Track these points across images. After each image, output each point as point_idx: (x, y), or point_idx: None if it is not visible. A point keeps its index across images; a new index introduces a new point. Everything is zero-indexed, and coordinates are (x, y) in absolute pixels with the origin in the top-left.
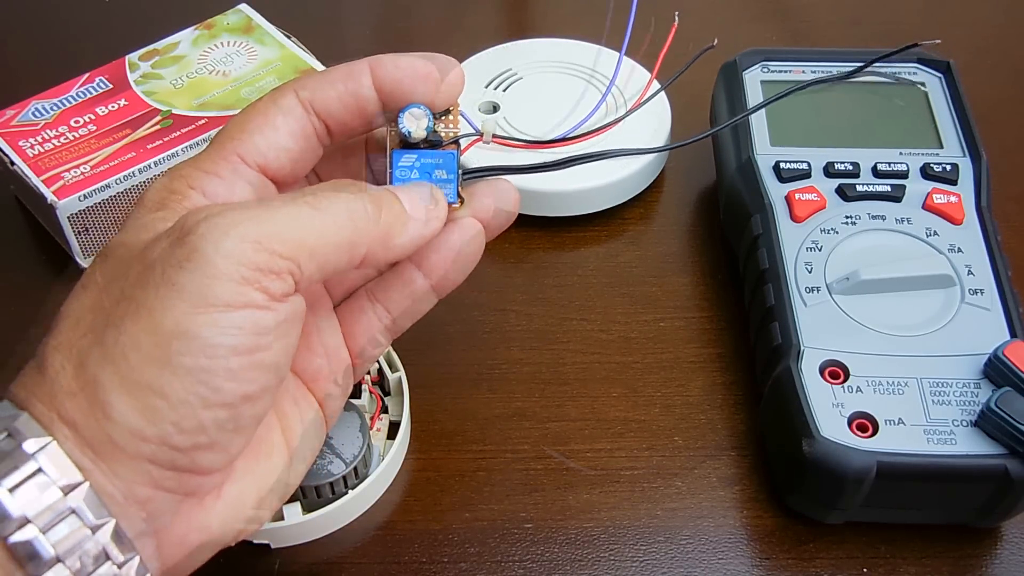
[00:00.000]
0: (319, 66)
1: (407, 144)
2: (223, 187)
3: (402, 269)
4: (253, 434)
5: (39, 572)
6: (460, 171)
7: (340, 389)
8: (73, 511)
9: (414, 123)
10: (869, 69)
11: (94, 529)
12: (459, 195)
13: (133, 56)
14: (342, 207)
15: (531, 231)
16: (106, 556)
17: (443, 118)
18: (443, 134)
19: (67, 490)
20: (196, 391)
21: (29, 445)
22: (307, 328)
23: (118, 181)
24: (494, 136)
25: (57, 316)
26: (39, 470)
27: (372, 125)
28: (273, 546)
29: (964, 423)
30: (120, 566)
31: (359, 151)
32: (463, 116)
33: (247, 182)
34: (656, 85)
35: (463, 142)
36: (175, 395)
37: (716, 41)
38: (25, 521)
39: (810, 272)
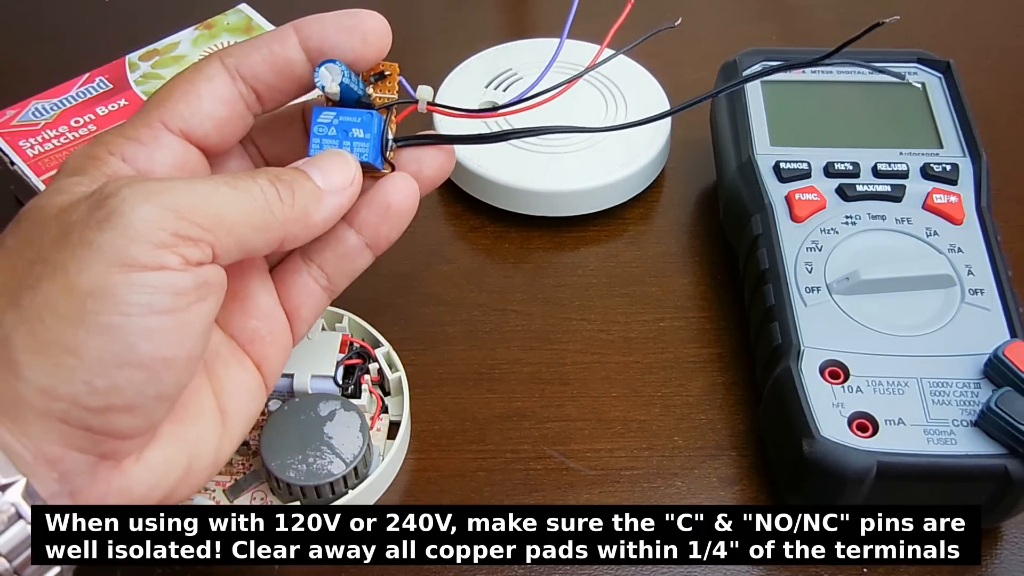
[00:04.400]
0: None
1: (334, 103)
2: (143, 152)
3: (334, 228)
4: (176, 400)
5: None
6: (390, 136)
7: (278, 351)
8: None
9: (328, 76)
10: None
11: (3, 488)
12: (386, 160)
13: (133, 56)
14: (257, 190)
15: (531, 231)
16: (18, 515)
17: (379, 83)
18: (376, 99)
19: None
20: (110, 349)
21: None
22: (239, 290)
23: None
24: (429, 104)
25: None
26: None
27: (303, 88)
28: None
29: (964, 423)
30: (30, 524)
31: (297, 121)
32: (403, 83)
33: (169, 148)
34: (607, 52)
35: (399, 110)
36: (88, 353)
37: (680, 20)
38: None
39: (810, 272)
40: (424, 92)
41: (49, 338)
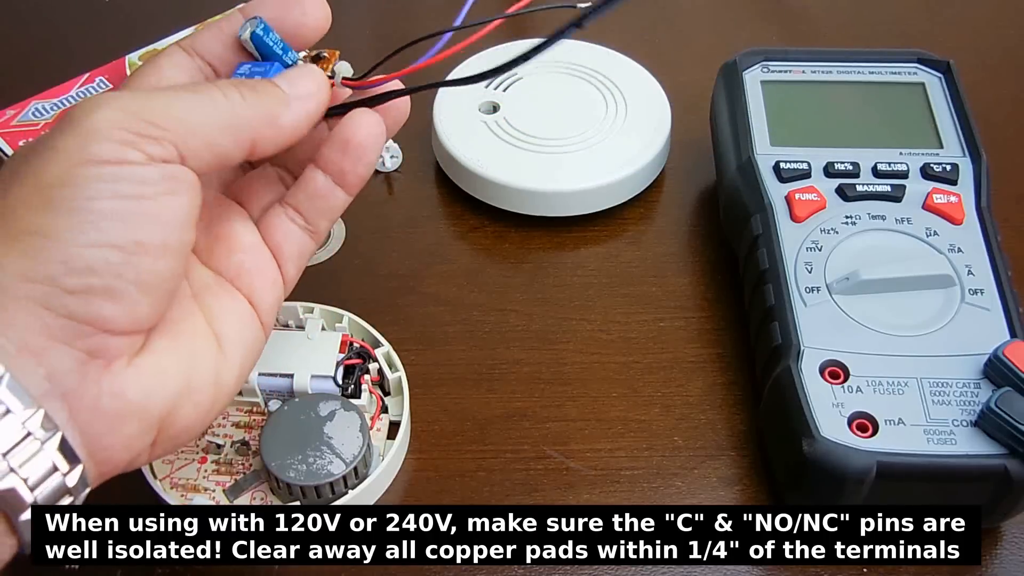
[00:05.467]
0: None
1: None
2: None
3: (304, 171)
4: (162, 300)
5: None
6: None
7: (266, 283)
8: None
9: (247, 27)
10: (869, 69)
11: None
12: None
13: (133, 56)
14: (218, 94)
15: (531, 231)
16: (7, 409)
17: (316, 62)
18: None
19: None
20: (80, 228)
21: None
22: (221, 231)
23: None
24: (344, 79)
25: None
26: None
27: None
28: None
29: (964, 423)
30: (24, 422)
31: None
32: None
33: None
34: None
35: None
36: (59, 233)
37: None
38: None
39: (810, 272)
40: (341, 67)
41: (21, 227)
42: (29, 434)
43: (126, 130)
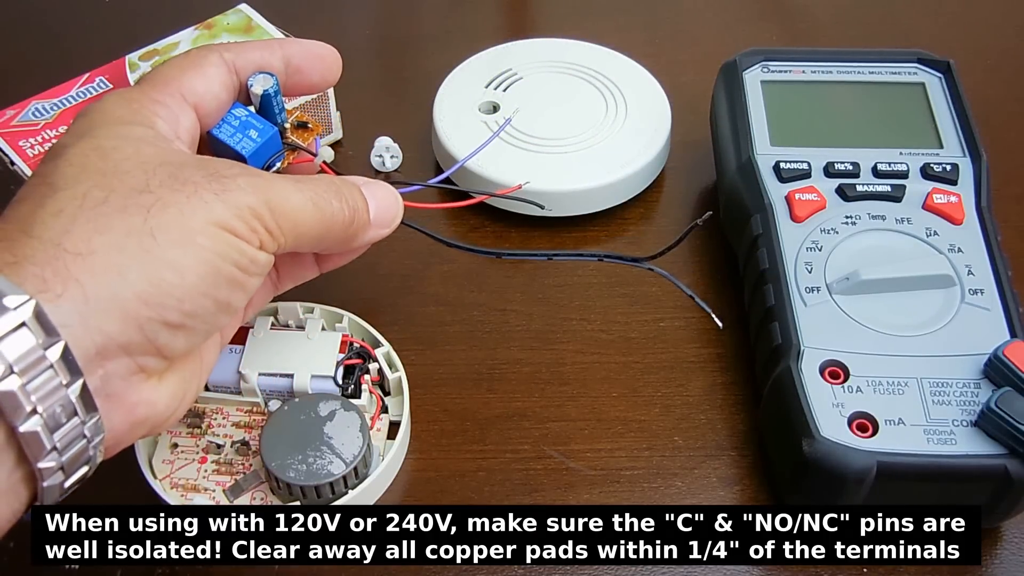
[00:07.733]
0: None
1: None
2: (171, 115)
3: None
4: (207, 340)
5: (15, 421)
6: (277, 166)
7: (235, 321)
8: (51, 366)
9: (260, 81)
10: (869, 69)
11: (68, 385)
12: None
13: (133, 56)
14: (330, 213)
15: (531, 231)
16: (74, 410)
17: (299, 130)
18: (288, 136)
19: (46, 345)
20: (204, 279)
21: (9, 301)
22: None
23: None
24: (324, 162)
25: (45, 184)
26: (22, 324)
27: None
28: None
29: (964, 423)
30: (84, 423)
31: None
32: (317, 141)
33: (188, 116)
34: None
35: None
36: (189, 277)
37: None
38: (9, 371)
39: (810, 272)
40: (325, 152)
41: (158, 254)
42: (86, 437)
43: (259, 221)
